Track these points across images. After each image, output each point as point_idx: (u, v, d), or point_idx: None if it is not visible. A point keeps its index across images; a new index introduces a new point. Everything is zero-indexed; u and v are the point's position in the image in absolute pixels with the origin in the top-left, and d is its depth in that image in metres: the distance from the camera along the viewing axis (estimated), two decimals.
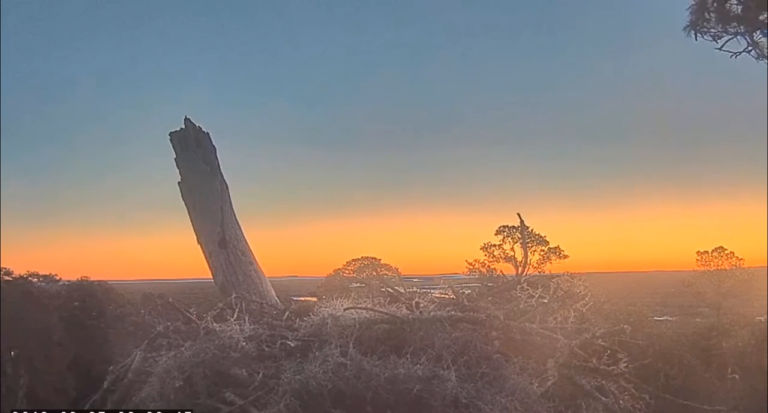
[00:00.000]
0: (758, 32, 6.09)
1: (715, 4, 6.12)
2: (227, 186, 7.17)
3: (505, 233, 8.40)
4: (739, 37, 6.08)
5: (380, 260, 10.10)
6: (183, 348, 4.44)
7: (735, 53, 6.20)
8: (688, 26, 6.19)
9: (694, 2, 6.17)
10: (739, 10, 6.06)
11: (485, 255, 9.03)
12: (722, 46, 6.17)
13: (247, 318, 4.87)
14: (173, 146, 7.16)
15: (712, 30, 6.14)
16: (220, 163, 7.23)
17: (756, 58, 6.15)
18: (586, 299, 5.25)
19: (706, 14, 6.09)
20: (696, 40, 6.23)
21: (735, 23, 6.05)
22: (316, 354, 4.12)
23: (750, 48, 6.10)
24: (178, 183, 7.14)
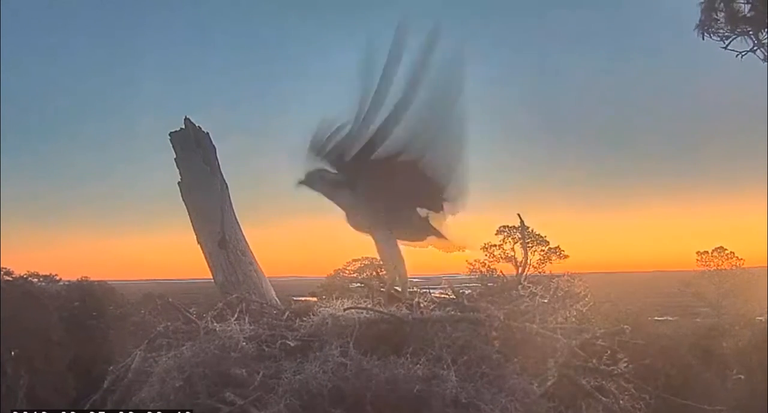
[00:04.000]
0: (764, 32, 6.10)
1: (722, 4, 6.13)
2: (227, 186, 7.15)
3: (505, 233, 8.45)
4: (745, 36, 6.09)
5: None
6: (183, 348, 4.42)
7: (741, 53, 6.21)
8: (697, 26, 6.20)
9: (703, 2, 6.19)
10: (747, 10, 6.08)
11: (485, 255, 9.08)
12: (727, 45, 6.19)
13: (247, 318, 4.85)
14: (173, 146, 7.14)
15: (720, 30, 6.15)
16: (220, 163, 7.22)
17: (762, 60, 6.16)
18: (587, 299, 5.24)
19: (714, 14, 6.10)
20: (703, 39, 6.25)
21: (743, 24, 6.06)
22: (317, 354, 4.11)
23: (756, 48, 6.11)
24: (178, 183, 7.13)
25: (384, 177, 4.59)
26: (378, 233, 4.84)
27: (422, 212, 4.90)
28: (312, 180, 5.01)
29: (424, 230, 4.98)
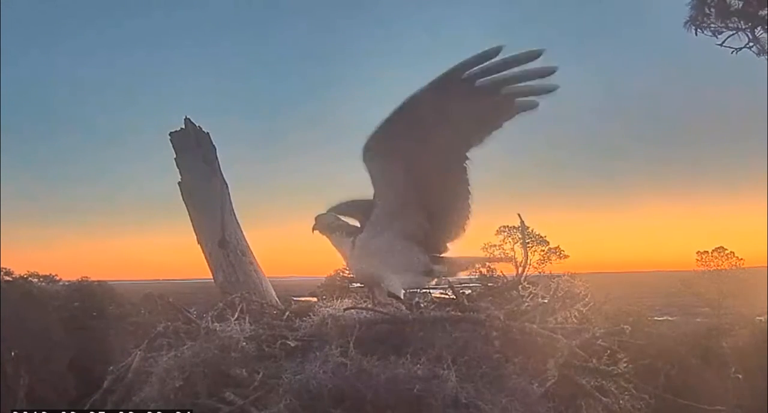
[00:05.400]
0: (759, 28, 6.08)
1: None
2: (227, 186, 7.17)
3: (505, 233, 8.40)
4: (739, 33, 6.06)
5: None
6: (183, 348, 4.43)
7: (735, 49, 6.19)
8: (688, 21, 6.17)
9: None
10: (740, 5, 6.06)
11: (485, 255, 9.03)
12: (723, 43, 6.16)
13: (247, 318, 4.86)
14: (173, 146, 7.16)
15: (712, 25, 6.13)
16: (220, 163, 7.23)
17: (757, 54, 6.14)
18: (587, 299, 5.24)
19: (706, 9, 6.08)
20: (696, 35, 6.23)
21: (735, 19, 6.04)
22: (317, 354, 4.11)
23: (751, 44, 6.09)
24: (178, 183, 7.14)
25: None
26: (385, 281, 5.01)
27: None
28: (323, 224, 5.45)
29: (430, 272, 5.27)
